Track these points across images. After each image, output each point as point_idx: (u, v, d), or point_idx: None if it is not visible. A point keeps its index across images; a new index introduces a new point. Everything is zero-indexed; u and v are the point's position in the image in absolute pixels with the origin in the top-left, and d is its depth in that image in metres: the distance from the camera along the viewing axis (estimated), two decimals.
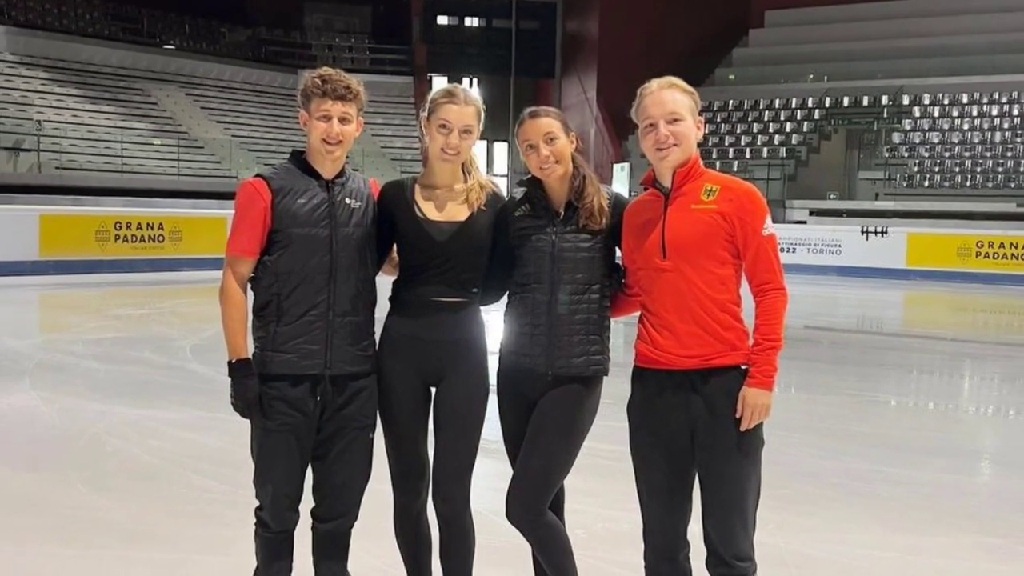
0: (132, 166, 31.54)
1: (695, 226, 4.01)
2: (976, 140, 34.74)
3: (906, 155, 35.45)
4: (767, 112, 39.98)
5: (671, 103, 4.07)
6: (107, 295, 20.61)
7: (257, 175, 4.39)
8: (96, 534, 6.09)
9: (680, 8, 41.40)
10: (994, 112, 35.55)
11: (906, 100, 37.29)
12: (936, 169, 34.49)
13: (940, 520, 6.76)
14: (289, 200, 4.27)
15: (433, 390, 4.48)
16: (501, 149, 47.75)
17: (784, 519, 6.42)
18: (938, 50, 37.32)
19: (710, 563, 4.08)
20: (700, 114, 4.17)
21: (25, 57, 34.17)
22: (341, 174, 4.40)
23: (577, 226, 4.26)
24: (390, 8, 46.35)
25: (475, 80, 47.98)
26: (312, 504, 4.46)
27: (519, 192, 4.43)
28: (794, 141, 38.15)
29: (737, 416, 3.97)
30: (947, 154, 34.82)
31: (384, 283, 4.50)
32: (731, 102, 40.69)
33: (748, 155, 37.80)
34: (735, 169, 33.86)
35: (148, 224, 25.36)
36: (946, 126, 35.85)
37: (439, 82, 43.37)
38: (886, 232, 29.39)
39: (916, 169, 34.70)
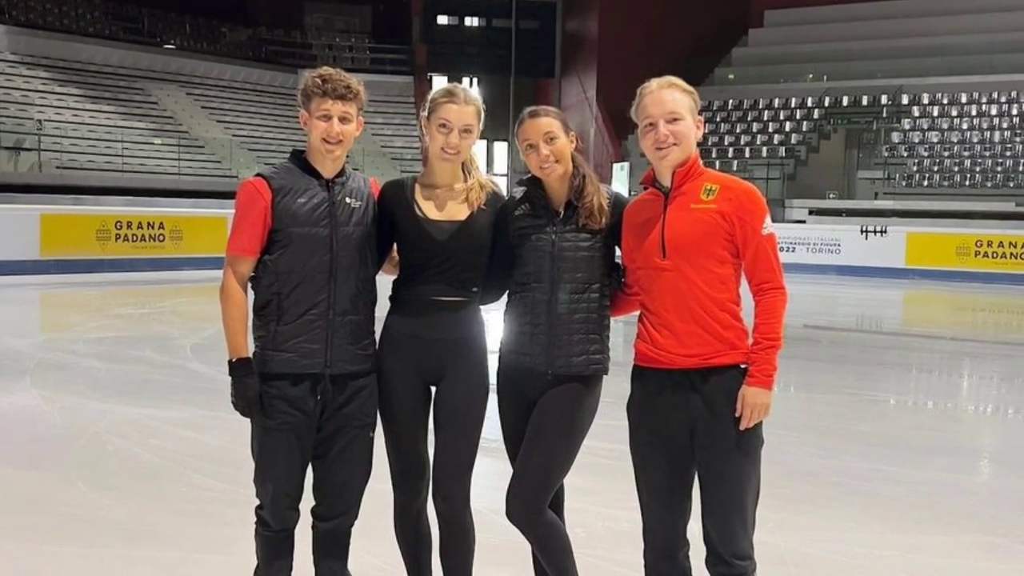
0: (133, 165, 31.55)
1: (695, 225, 4.02)
2: (975, 139, 34.76)
3: (905, 154, 35.47)
4: (766, 112, 39.99)
5: (671, 103, 4.07)
6: (108, 294, 20.60)
7: (257, 174, 4.40)
8: (97, 533, 6.10)
9: (680, 8, 41.39)
10: (993, 111, 35.57)
11: (905, 100, 37.30)
12: (935, 168, 34.51)
13: (939, 519, 6.76)
14: (289, 199, 4.27)
15: (433, 389, 4.48)
16: (501, 148, 47.78)
17: (783, 518, 6.43)
18: (937, 50, 37.32)
19: (710, 562, 4.09)
20: (700, 114, 4.17)
21: (26, 57, 34.18)
22: (341, 173, 4.40)
23: (577, 225, 4.27)
24: (390, 8, 46.35)
25: (475, 80, 48.00)
26: (312, 503, 4.46)
27: (519, 191, 4.44)
28: (793, 141, 38.16)
29: (737, 415, 3.97)
30: (946, 153, 34.83)
31: (384, 282, 4.50)
32: (731, 102, 40.70)
33: (747, 154, 37.81)
34: (735, 168, 33.85)
35: (149, 223, 25.39)
36: (945, 125, 35.87)
37: (439, 82, 43.38)
38: (885, 231, 29.41)
39: (915, 168, 34.72)
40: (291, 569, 4.47)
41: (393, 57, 44.87)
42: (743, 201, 4.02)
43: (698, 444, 4.04)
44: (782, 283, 4.05)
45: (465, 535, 4.49)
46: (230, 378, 4.30)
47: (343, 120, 4.30)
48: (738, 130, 39.51)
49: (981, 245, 28.27)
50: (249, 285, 4.36)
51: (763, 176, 33.93)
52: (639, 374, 4.16)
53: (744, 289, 4.05)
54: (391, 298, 4.49)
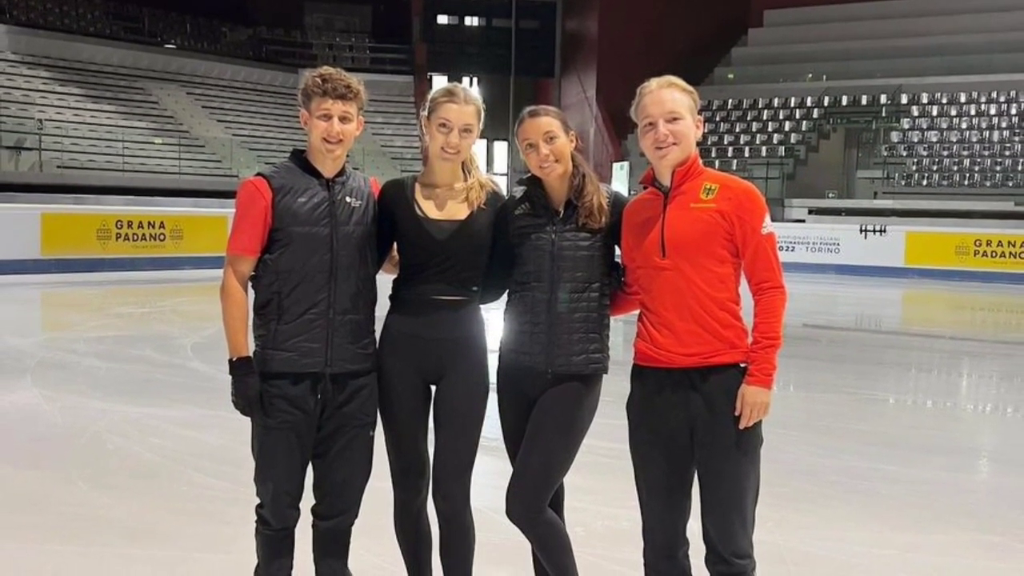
0: (133, 165, 31.54)
1: (694, 225, 4.02)
2: (974, 139, 34.75)
3: (904, 154, 35.46)
4: (766, 111, 39.98)
5: (670, 102, 4.08)
6: (108, 293, 20.60)
7: (258, 174, 4.40)
8: (97, 532, 6.11)
9: (679, 7, 41.39)
10: (992, 111, 35.56)
11: (904, 99, 37.30)
12: (934, 168, 34.51)
13: (938, 518, 6.77)
14: (290, 199, 4.28)
15: (433, 388, 4.49)
16: (501, 148, 47.78)
17: (783, 517, 6.44)
18: (936, 49, 37.34)
19: (709, 560, 4.09)
20: (699, 113, 4.18)
21: (27, 56, 34.18)
22: (342, 173, 4.41)
23: (577, 225, 4.28)
24: (390, 7, 46.34)
25: (475, 79, 48.00)
26: (313, 502, 4.47)
27: (519, 191, 4.45)
28: (793, 140, 38.16)
29: (736, 414, 3.98)
30: (945, 153, 34.83)
31: (384, 281, 4.51)
32: (730, 101, 40.69)
33: (747, 154, 37.81)
34: (734, 168, 33.85)
35: (149, 223, 25.41)
36: (944, 125, 35.86)
37: (439, 81, 43.38)
38: (884, 231, 29.42)
39: (914, 168, 34.71)
40: (291, 568, 4.48)
41: (393, 57, 44.87)
42: (742, 200, 4.03)
43: (698, 443, 4.04)
44: (781, 282, 4.06)
45: (465, 534, 4.50)
46: (230, 377, 4.30)
47: (343, 119, 4.30)
48: (738, 130, 39.50)
49: (980, 244, 28.29)
50: (249, 284, 4.36)
51: (762, 175, 33.93)
52: (639, 373, 4.17)
53: (744, 288, 4.06)
54: (391, 297, 4.49)
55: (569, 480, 4.48)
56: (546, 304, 4.28)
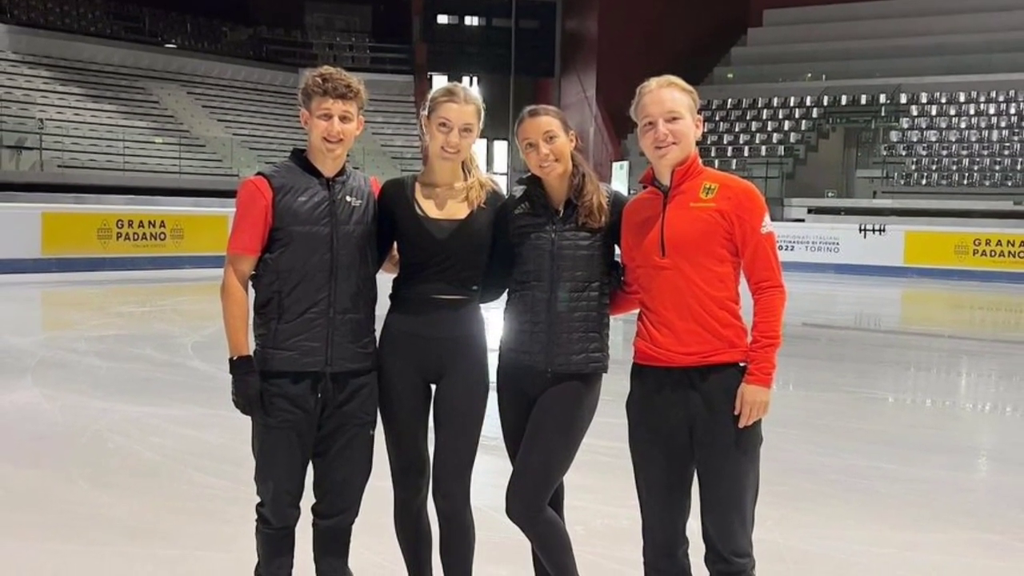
0: (134, 164, 31.55)
1: (694, 224, 4.03)
2: (973, 138, 34.75)
3: (904, 153, 35.46)
4: (765, 111, 39.99)
5: (670, 102, 4.08)
6: (109, 293, 20.61)
7: (258, 173, 4.41)
8: (98, 530, 6.12)
9: (679, 7, 41.37)
10: (991, 111, 35.57)
11: (904, 99, 37.30)
12: (933, 167, 34.51)
13: (938, 516, 6.78)
14: (290, 198, 4.29)
15: (433, 387, 4.49)
16: (501, 147, 47.75)
17: (782, 515, 6.46)
18: (935, 49, 37.35)
19: (709, 559, 4.10)
20: (699, 113, 4.19)
21: (27, 56, 34.18)
22: (342, 172, 4.41)
23: (576, 224, 4.28)
24: (390, 7, 46.32)
25: (475, 79, 47.95)
26: (313, 500, 4.48)
27: (519, 190, 4.45)
28: (792, 139, 38.17)
29: (736, 413, 3.99)
30: (944, 152, 34.83)
31: (384, 280, 4.52)
32: (730, 101, 40.69)
33: (747, 153, 37.82)
34: (734, 167, 33.88)
35: (150, 222, 25.42)
36: (943, 124, 35.86)
37: (439, 81, 43.36)
38: (884, 230, 29.42)
39: (913, 167, 34.72)
40: (292, 566, 4.48)
41: (393, 56, 44.88)
42: (742, 200, 4.03)
43: (697, 442, 4.05)
44: (781, 281, 4.06)
45: (465, 533, 4.50)
46: (231, 376, 4.31)
47: (343, 119, 4.31)
48: (737, 129, 39.51)
49: (979, 243, 28.30)
50: (250, 283, 4.37)
51: (762, 175, 33.95)
52: (638, 372, 4.17)
53: (743, 287, 4.07)
54: (391, 296, 4.50)
55: (569, 479, 4.48)
56: (546, 303, 4.28)
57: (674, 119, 4.07)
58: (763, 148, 37.91)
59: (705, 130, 4.46)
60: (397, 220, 4.44)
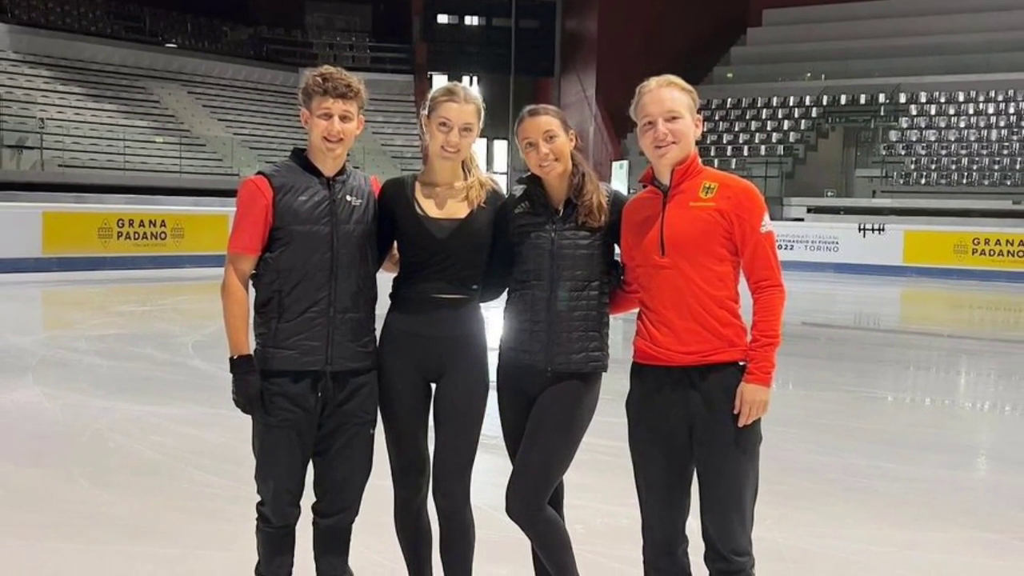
0: (134, 164, 31.59)
1: (693, 223, 4.03)
2: (972, 138, 34.76)
3: (903, 153, 35.47)
4: (765, 110, 40.00)
5: (669, 101, 4.09)
6: (110, 292, 20.62)
7: (259, 172, 4.41)
8: (98, 529, 6.13)
9: (679, 7, 41.37)
10: (990, 110, 35.59)
11: (903, 98, 37.32)
12: (933, 167, 34.52)
13: (937, 515, 6.79)
14: (290, 197, 4.29)
15: (433, 386, 4.50)
16: (501, 147, 47.78)
17: (782, 514, 6.46)
18: (934, 48, 37.36)
19: (708, 558, 4.10)
20: (698, 112, 4.19)
21: (28, 55, 34.20)
22: (342, 172, 4.42)
23: (576, 223, 4.29)
24: (391, 7, 46.35)
25: (475, 78, 47.96)
26: (313, 499, 4.48)
27: (519, 190, 4.46)
28: (792, 139, 38.18)
29: (735, 412, 3.99)
30: (943, 152, 34.84)
31: (385, 280, 4.53)
32: (729, 100, 40.71)
33: (746, 153, 37.83)
34: (733, 167, 33.89)
35: (150, 221, 25.45)
36: (942, 124, 35.88)
37: (439, 80, 43.38)
38: (883, 229, 29.44)
39: (913, 167, 34.72)
40: (292, 565, 4.49)
41: (393, 56, 44.90)
42: (741, 199, 4.04)
43: (697, 441, 4.05)
44: (780, 281, 4.07)
45: (465, 531, 4.51)
46: (231, 375, 4.31)
47: (344, 118, 4.32)
48: (737, 128, 39.52)
49: (978, 243, 28.31)
50: (250, 283, 4.38)
51: (761, 174, 33.95)
52: (638, 371, 4.18)
53: (743, 286, 4.07)
54: (391, 296, 4.51)
55: (569, 478, 4.49)
56: (546, 302, 4.29)
57: (674, 118, 4.08)
58: (762, 147, 37.93)
59: (705, 130, 4.46)
60: (397, 219, 4.44)
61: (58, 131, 30.85)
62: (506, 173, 44.42)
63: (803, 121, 38.78)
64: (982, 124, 35.14)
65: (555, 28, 47.59)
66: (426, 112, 4.43)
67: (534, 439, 4.31)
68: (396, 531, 4.64)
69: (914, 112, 36.77)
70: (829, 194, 35.12)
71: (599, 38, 42.87)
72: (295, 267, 4.28)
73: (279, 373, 4.30)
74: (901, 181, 34.27)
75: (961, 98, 36.29)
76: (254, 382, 4.29)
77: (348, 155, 4.46)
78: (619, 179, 35.37)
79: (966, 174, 33.58)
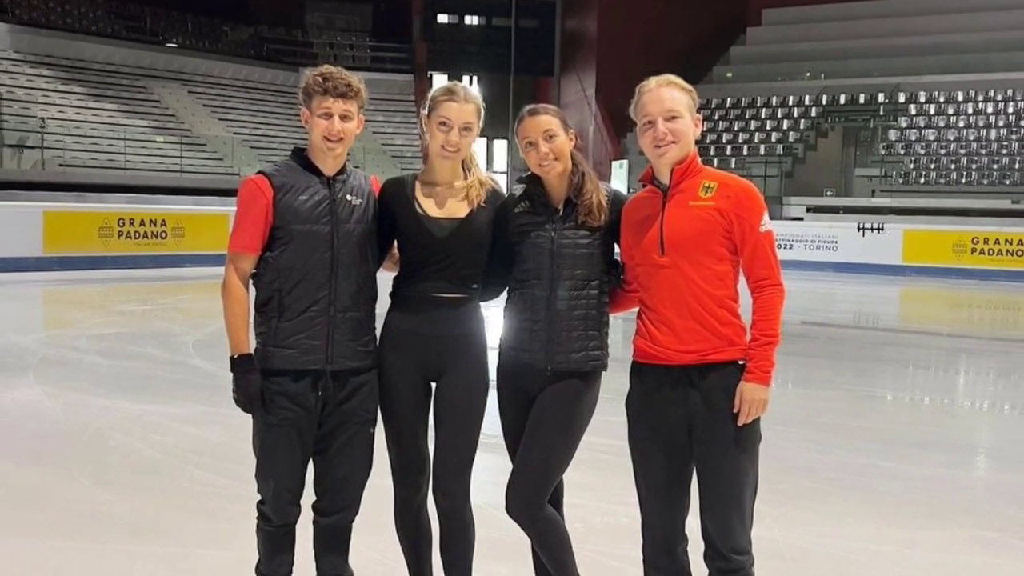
0: (135, 163, 31.62)
1: (693, 223, 4.04)
2: (971, 137, 34.78)
3: (902, 152, 35.49)
4: (764, 110, 40.02)
5: (669, 101, 4.09)
6: (110, 291, 20.64)
7: (259, 172, 4.42)
8: (99, 528, 6.14)
9: (678, 7, 41.39)
10: (989, 109, 35.61)
11: (902, 98, 37.34)
12: (932, 166, 34.54)
13: (936, 514, 6.79)
14: (291, 197, 4.30)
15: (433, 385, 4.50)
16: (501, 146, 47.78)
17: (781, 513, 6.47)
18: (933, 48, 37.39)
19: (708, 556, 4.10)
20: (698, 112, 4.19)
21: (29, 55, 34.22)
22: (342, 171, 4.42)
23: (576, 223, 4.29)
24: (391, 6, 46.38)
25: (475, 78, 47.96)
26: (313, 498, 4.49)
27: (519, 189, 4.46)
28: (791, 138, 38.20)
29: (735, 411, 4.00)
30: (943, 151, 34.85)
31: (385, 279, 4.54)
32: (729, 100, 40.73)
33: (746, 152, 37.86)
34: (733, 166, 33.91)
35: (151, 220, 25.49)
36: (942, 123, 35.90)
37: (439, 80, 43.38)
38: (882, 228, 29.45)
39: (912, 166, 34.73)
40: (292, 564, 4.50)
41: (393, 55, 44.92)
42: (741, 198, 4.04)
43: (696, 440, 4.06)
44: (780, 280, 4.07)
45: (465, 530, 4.52)
46: (232, 374, 4.32)
47: (344, 118, 4.32)
48: (736, 128, 39.54)
49: (977, 242, 28.32)
50: (251, 282, 4.38)
51: (761, 174, 33.97)
52: (638, 370, 4.18)
53: (742, 286, 4.08)
54: (391, 295, 4.51)
55: (568, 477, 4.49)
56: (545, 302, 4.29)
57: (673, 118, 4.08)
58: (762, 147, 37.95)
59: (704, 129, 4.45)
60: (397, 219, 4.45)
61: (59, 131, 30.88)
62: (506, 172, 44.43)
63: (802, 121, 38.80)
64: (981, 123, 35.17)
65: (555, 28, 47.61)
66: (426, 111, 4.43)
67: (534, 438, 4.31)
68: (396, 530, 4.64)
69: (913, 111, 36.80)
70: (828, 193, 35.14)
71: (599, 38, 42.88)
72: (295, 266, 4.29)
73: (279, 372, 4.31)
74: (900, 180, 34.28)
75: (960, 97, 36.32)
76: (254, 381, 4.29)
77: (348, 154, 4.46)
78: (619, 178, 35.38)
79: (965, 173, 33.60)
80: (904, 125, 36.32)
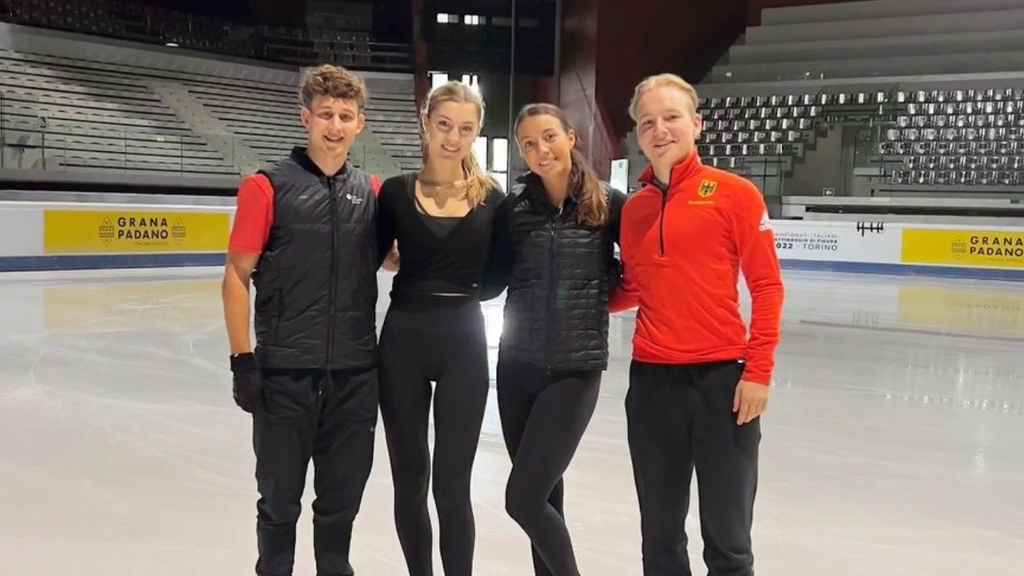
0: (135, 162, 31.62)
1: (692, 222, 4.04)
2: (971, 137, 34.78)
3: (901, 152, 35.48)
4: (764, 109, 40.02)
5: (669, 100, 4.10)
6: (111, 290, 20.63)
7: (259, 171, 4.43)
8: (100, 527, 6.14)
9: (678, 6, 41.40)
10: (988, 109, 35.61)
11: (901, 97, 37.35)
12: (931, 165, 34.54)
13: (935, 513, 6.80)
14: (291, 196, 4.30)
15: (433, 384, 4.51)
16: (501, 146, 47.78)
17: (781, 512, 6.47)
18: (933, 48, 37.38)
19: (707, 555, 4.11)
20: (698, 111, 4.20)
21: (30, 55, 34.22)
22: (342, 170, 4.43)
23: (576, 222, 4.30)
24: (391, 6, 46.38)
25: (475, 77, 47.95)
26: (314, 497, 4.50)
27: (518, 188, 4.47)
28: (791, 138, 38.19)
29: (734, 410, 4.00)
30: (942, 151, 34.85)
31: (385, 278, 4.55)
32: (728, 99, 40.73)
33: (745, 152, 37.85)
34: (732, 166, 33.93)
35: (151, 220, 25.49)
36: (941, 123, 35.91)
37: (439, 79, 43.38)
38: (881, 228, 29.45)
39: (911, 165, 34.73)
40: (292, 562, 4.50)
41: (394, 55, 44.92)
42: (740, 198, 4.05)
43: (696, 439, 4.06)
44: (779, 279, 4.08)
45: (465, 529, 4.52)
46: (232, 373, 4.32)
47: (344, 117, 4.33)
48: (736, 127, 39.54)
49: (976, 241, 28.33)
50: (251, 281, 4.39)
51: (760, 173, 33.98)
52: (637, 369, 4.19)
53: (742, 285, 4.09)
54: (392, 294, 4.52)
55: (568, 476, 4.50)
56: (545, 301, 4.30)
57: (673, 117, 4.08)
58: (761, 146, 37.95)
59: (704, 129, 4.46)
60: (397, 218, 4.45)
61: (59, 130, 30.88)
62: (506, 172, 44.44)
63: (802, 120, 38.79)
64: (980, 123, 35.17)
65: (555, 27, 47.61)
66: (426, 111, 4.44)
67: (534, 437, 4.32)
68: (396, 529, 4.65)
69: (912, 111, 36.80)
70: (828, 193, 35.15)
71: (599, 37, 42.88)
72: (296, 265, 4.29)
73: (280, 371, 4.31)
74: (899, 180, 34.28)
75: (959, 97, 36.33)
76: (255, 380, 4.29)
77: (348, 154, 4.47)
78: (618, 178, 35.39)
79: (964, 173, 33.61)
80: (903, 125, 36.33)
